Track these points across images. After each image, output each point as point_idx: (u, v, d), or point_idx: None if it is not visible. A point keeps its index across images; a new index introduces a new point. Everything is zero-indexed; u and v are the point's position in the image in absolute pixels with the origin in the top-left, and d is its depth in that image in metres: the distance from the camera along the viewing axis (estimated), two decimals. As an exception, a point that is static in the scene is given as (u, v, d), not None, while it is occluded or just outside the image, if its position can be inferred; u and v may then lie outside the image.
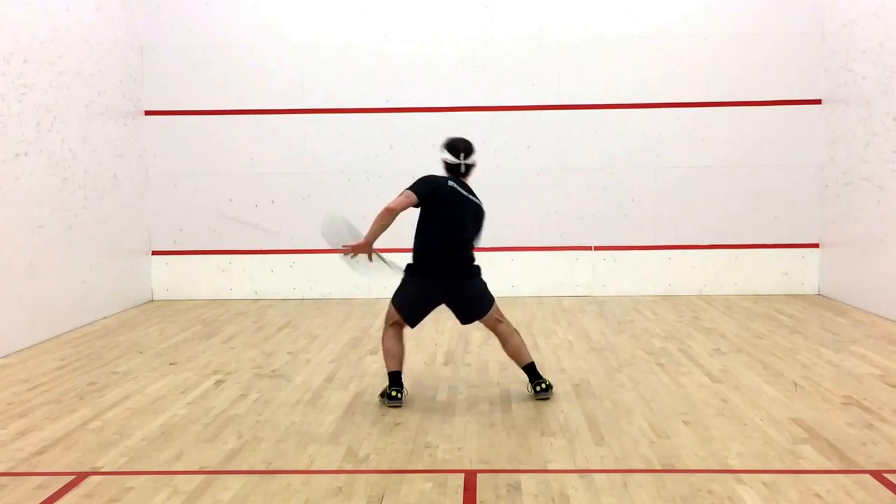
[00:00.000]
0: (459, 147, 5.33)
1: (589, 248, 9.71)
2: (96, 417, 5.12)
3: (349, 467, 4.22)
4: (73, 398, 5.56)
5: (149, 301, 9.77)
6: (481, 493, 3.84)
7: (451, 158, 5.33)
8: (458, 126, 9.40)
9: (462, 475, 4.07)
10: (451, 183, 5.25)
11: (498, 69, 9.64)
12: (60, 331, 7.74)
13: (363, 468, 4.20)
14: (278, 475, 4.12)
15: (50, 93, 7.60)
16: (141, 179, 9.60)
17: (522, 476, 4.05)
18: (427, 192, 5.16)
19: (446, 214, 5.20)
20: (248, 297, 9.80)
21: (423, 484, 3.96)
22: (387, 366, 5.35)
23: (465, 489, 3.89)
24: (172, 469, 4.22)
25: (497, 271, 9.52)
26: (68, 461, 4.36)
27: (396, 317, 5.34)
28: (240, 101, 9.69)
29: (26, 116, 7.24)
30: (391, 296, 5.40)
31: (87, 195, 8.29)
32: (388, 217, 5.06)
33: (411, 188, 5.15)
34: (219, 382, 5.91)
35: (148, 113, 9.68)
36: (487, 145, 9.61)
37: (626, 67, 9.60)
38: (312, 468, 4.22)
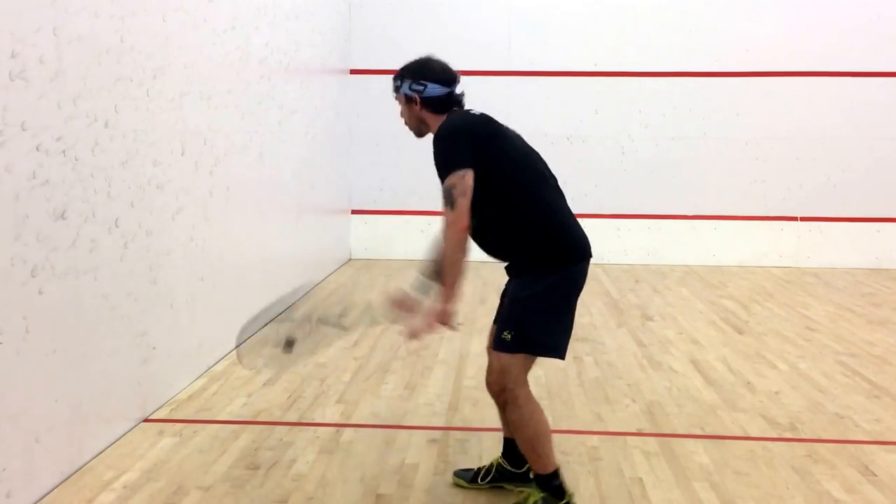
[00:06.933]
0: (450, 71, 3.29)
1: (795, 219, 9.59)
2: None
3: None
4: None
5: (348, 260, 9.82)
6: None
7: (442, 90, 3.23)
8: (667, 91, 9.44)
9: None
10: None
11: (711, 33, 9.48)
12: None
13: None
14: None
15: (286, 53, 7.59)
16: (346, 138, 9.60)
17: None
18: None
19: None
20: (445, 259, 9.79)
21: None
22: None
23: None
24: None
25: (699, 239, 9.57)
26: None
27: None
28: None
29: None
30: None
31: (297, 155, 8.31)
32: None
33: (458, 164, 3.02)
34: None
35: (353, 72, 9.66)
36: (695, 112, 9.57)
37: (840, 33, 9.40)
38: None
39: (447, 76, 3.23)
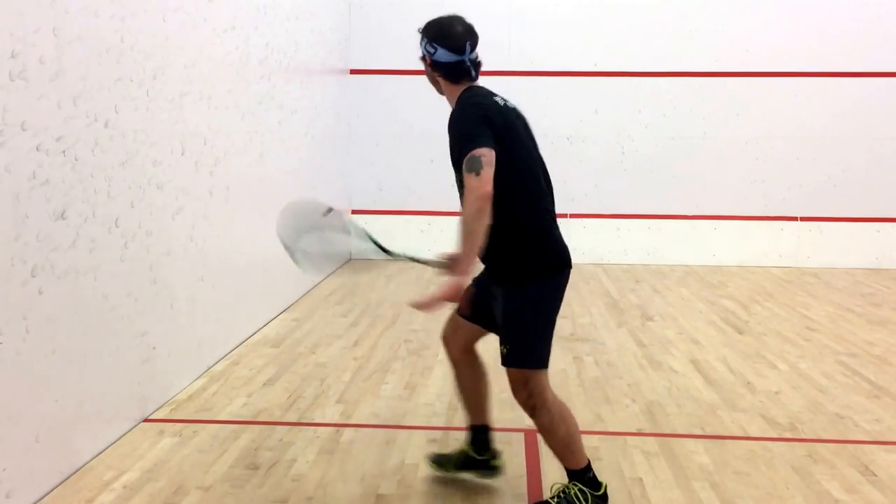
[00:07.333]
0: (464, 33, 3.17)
1: (795, 219, 9.59)
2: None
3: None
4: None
5: (348, 260, 9.82)
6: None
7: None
8: (667, 91, 9.45)
9: (522, 433, 4.08)
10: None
11: (711, 33, 9.48)
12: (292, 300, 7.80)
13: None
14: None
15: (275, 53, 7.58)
16: (346, 138, 9.60)
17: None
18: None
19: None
20: (445, 259, 9.80)
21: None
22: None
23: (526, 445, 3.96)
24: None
25: (699, 239, 9.57)
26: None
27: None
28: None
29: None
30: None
31: (297, 155, 8.31)
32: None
33: (481, 142, 2.92)
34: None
35: (353, 72, 9.66)
36: (695, 112, 9.57)
37: (840, 33, 9.39)
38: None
39: (458, 44, 3.12)
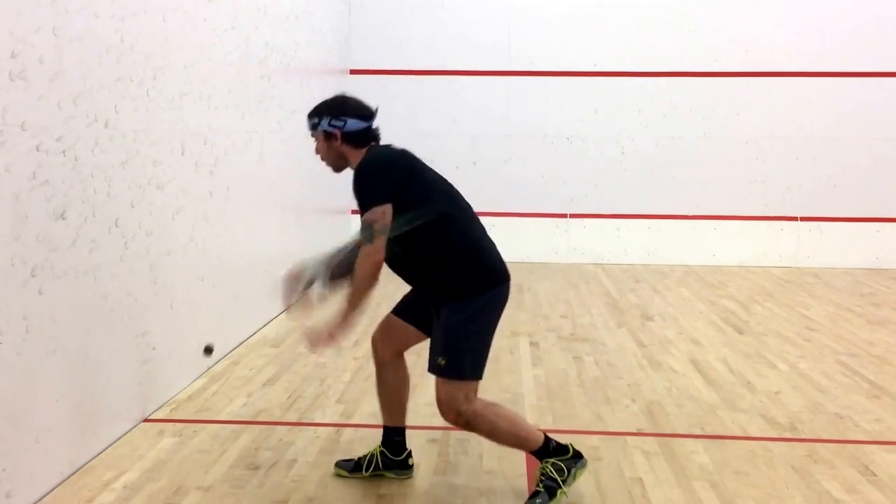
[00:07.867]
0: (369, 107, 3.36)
1: (795, 219, 9.60)
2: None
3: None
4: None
5: (348, 260, 9.81)
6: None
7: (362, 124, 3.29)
8: (668, 91, 9.46)
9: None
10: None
11: (711, 33, 9.49)
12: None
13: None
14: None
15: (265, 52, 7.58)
16: (345, 138, 9.59)
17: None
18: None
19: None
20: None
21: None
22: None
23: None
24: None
25: (699, 239, 9.57)
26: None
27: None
28: (445, 61, 9.63)
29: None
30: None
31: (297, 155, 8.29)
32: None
33: (378, 199, 3.08)
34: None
35: (353, 72, 9.66)
36: (696, 112, 9.58)
37: (840, 33, 9.40)
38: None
39: (365, 111, 3.31)
